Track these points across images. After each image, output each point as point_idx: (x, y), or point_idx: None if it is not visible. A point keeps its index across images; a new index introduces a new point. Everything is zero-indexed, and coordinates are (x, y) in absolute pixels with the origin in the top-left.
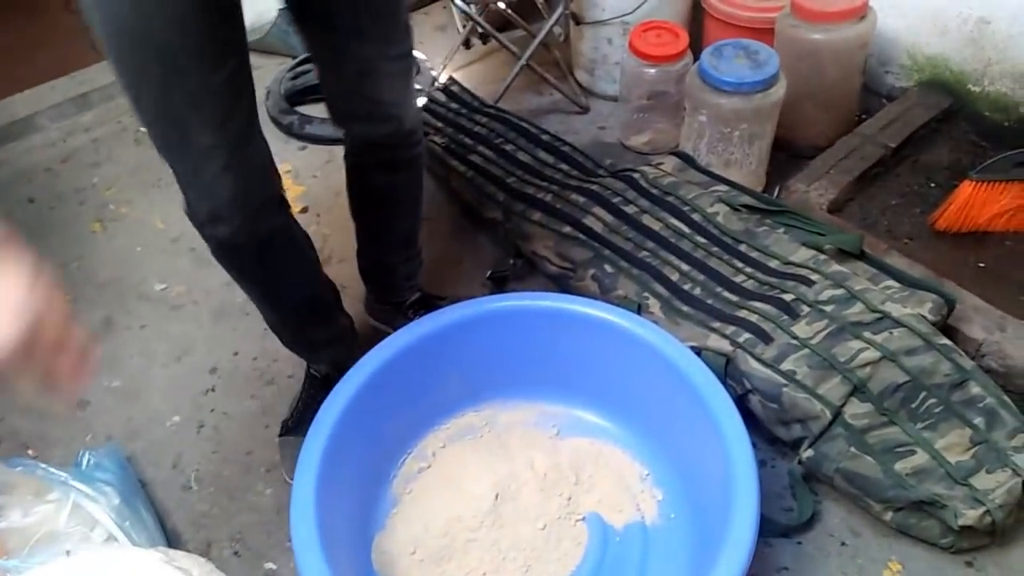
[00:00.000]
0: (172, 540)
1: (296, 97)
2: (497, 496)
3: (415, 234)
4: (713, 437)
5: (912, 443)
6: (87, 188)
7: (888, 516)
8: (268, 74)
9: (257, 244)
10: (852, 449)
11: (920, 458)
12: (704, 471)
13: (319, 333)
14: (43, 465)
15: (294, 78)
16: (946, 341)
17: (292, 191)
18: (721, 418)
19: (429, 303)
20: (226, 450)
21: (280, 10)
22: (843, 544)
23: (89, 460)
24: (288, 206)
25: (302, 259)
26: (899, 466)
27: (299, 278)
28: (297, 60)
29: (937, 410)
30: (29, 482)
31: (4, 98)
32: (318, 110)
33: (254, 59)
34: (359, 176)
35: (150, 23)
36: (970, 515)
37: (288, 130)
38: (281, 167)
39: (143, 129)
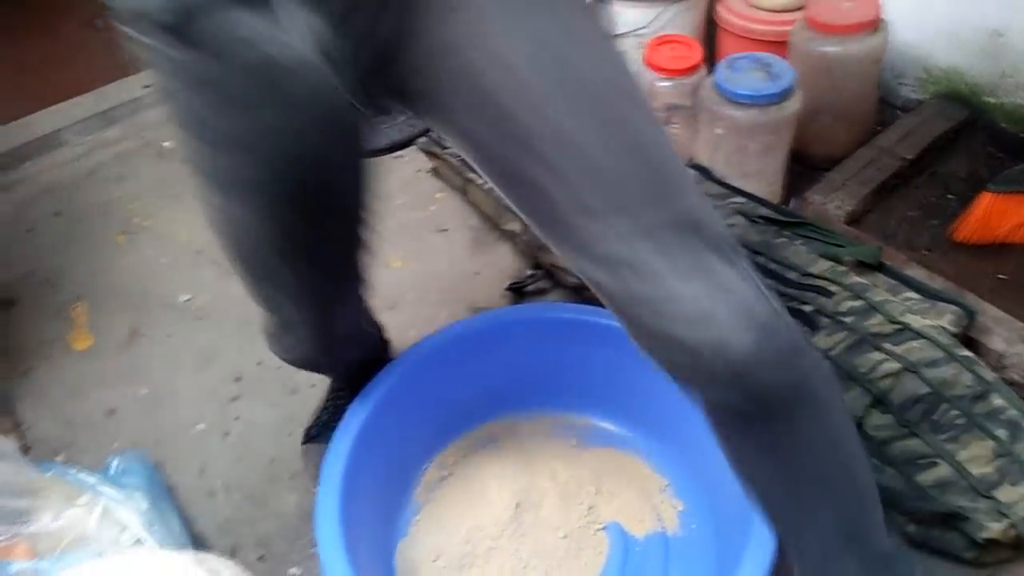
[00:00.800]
0: (198, 545)
1: None
2: (518, 505)
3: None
4: None
5: (934, 455)
6: (112, 201)
7: (911, 528)
8: None
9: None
10: (874, 461)
11: (943, 470)
12: (725, 482)
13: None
14: (73, 469)
15: None
16: (967, 353)
17: None
18: None
19: None
20: (251, 457)
21: None
22: None
23: (118, 466)
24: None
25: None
26: (921, 478)
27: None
28: None
29: (959, 422)
30: (60, 486)
31: (29, 114)
32: None
33: None
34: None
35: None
36: (994, 528)
37: None
38: None
39: (166, 144)
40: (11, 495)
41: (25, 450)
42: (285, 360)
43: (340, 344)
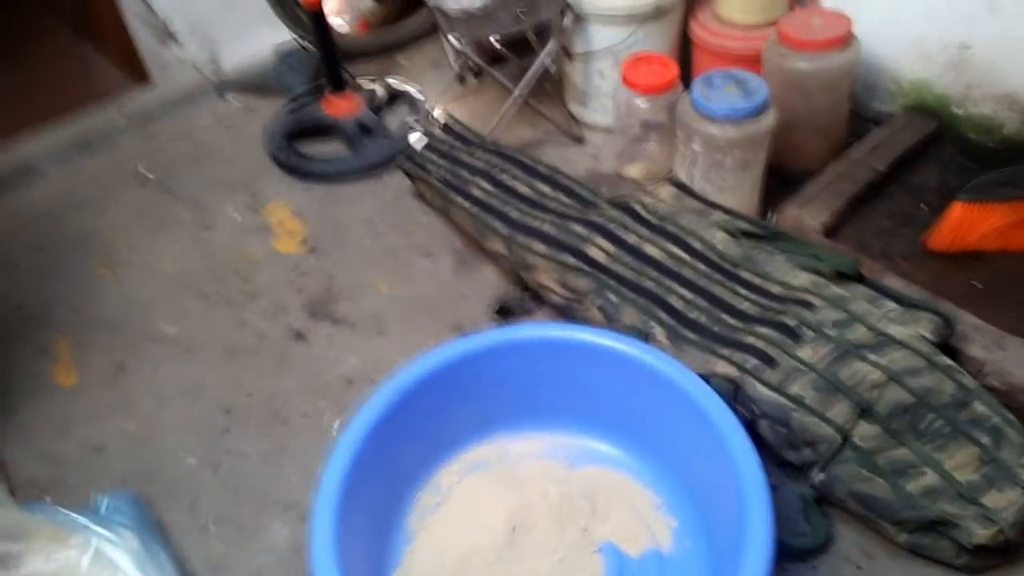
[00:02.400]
0: None
1: (295, 135)
2: (513, 529)
3: None
4: (723, 462)
5: (921, 463)
6: (92, 233)
7: (902, 537)
8: (266, 112)
9: None
10: (863, 471)
11: (930, 478)
12: (716, 497)
13: None
14: (63, 510)
15: (292, 115)
16: (948, 361)
17: (296, 229)
18: (731, 443)
19: None
20: (242, 491)
21: (276, 48)
22: (858, 567)
23: (107, 504)
24: None
25: None
26: (910, 487)
27: None
28: (293, 97)
29: (944, 430)
30: (49, 528)
31: (5, 138)
32: (318, 148)
33: (251, 98)
34: None
35: None
36: (983, 534)
37: (289, 169)
38: (284, 206)
39: (146, 172)
40: (1, 539)
41: (11, 491)
42: None
43: None
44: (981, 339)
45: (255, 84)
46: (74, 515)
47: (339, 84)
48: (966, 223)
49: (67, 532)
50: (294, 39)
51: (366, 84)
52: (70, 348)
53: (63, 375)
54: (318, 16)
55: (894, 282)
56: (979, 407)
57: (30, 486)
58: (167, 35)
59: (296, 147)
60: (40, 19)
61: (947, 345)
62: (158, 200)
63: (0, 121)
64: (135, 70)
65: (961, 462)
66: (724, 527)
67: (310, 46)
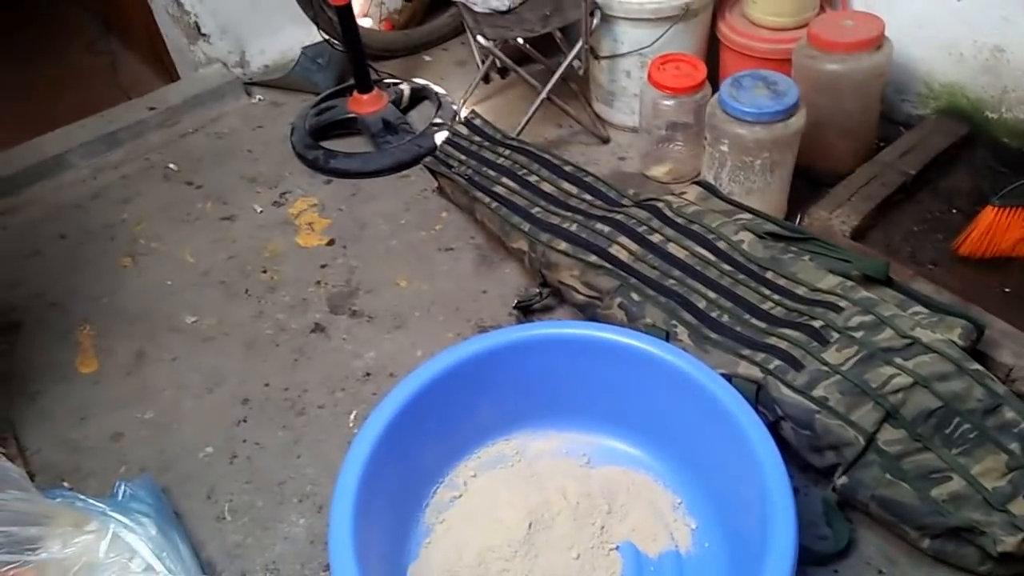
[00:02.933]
0: (207, 571)
1: (321, 132)
2: (530, 525)
3: None
4: (747, 464)
5: (948, 469)
6: (117, 224)
7: (925, 543)
8: (293, 110)
9: None
10: (887, 476)
11: (956, 484)
12: (738, 499)
13: None
14: (82, 496)
15: (318, 114)
16: (978, 366)
17: (318, 224)
18: (756, 444)
19: None
20: (259, 481)
21: (304, 48)
22: (880, 572)
23: (125, 491)
24: None
25: None
26: (935, 492)
27: None
28: (321, 96)
29: (971, 436)
30: (68, 513)
31: (34, 138)
32: (343, 144)
33: (277, 96)
34: None
35: None
36: (1009, 542)
37: (314, 165)
38: (307, 201)
39: (172, 166)
40: (21, 523)
41: (31, 476)
42: None
43: None
44: (1011, 345)
45: (282, 82)
46: (93, 501)
47: (365, 82)
48: (998, 228)
49: (86, 518)
50: (322, 38)
51: (392, 83)
52: (91, 337)
53: (84, 363)
54: (345, 15)
55: (923, 287)
56: (1008, 413)
57: (50, 472)
58: (197, 33)
59: (321, 144)
60: (71, 17)
61: (976, 350)
62: (183, 193)
63: (31, 115)
64: (163, 67)
65: (988, 468)
66: (746, 530)
67: (337, 45)
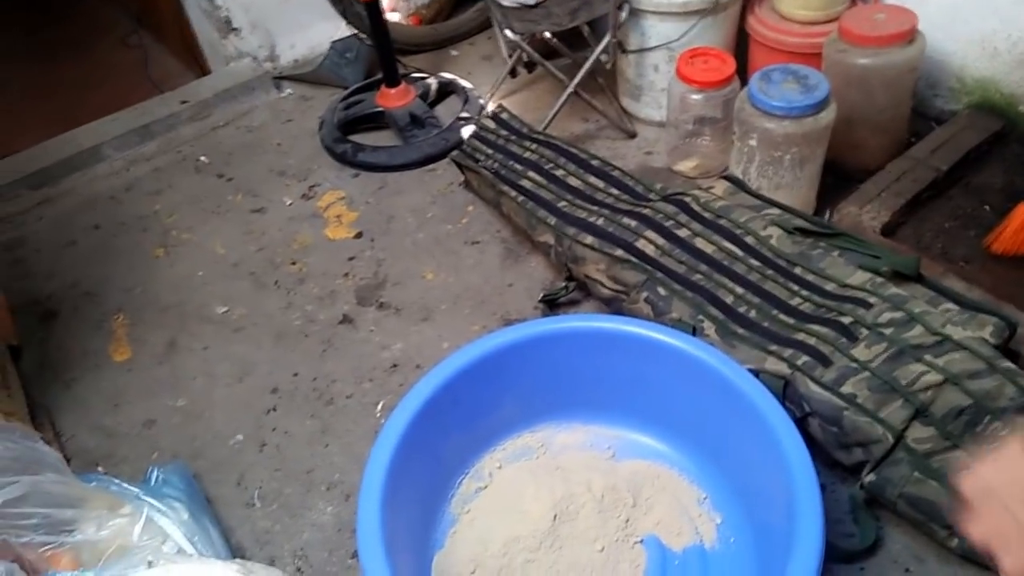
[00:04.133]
0: (236, 556)
1: (349, 126)
2: (555, 517)
3: None
4: (774, 459)
5: None
6: (149, 215)
7: (953, 542)
8: (321, 104)
9: None
10: (916, 474)
11: None
12: (765, 494)
13: None
14: (116, 480)
15: (346, 108)
16: (1010, 364)
17: (346, 217)
18: (783, 440)
19: None
20: (288, 468)
21: (333, 42)
22: (907, 571)
23: (158, 476)
24: None
25: None
26: None
27: None
28: (349, 90)
29: (1002, 434)
30: (103, 497)
31: (68, 130)
32: (370, 138)
33: (306, 89)
34: None
35: None
36: None
37: (342, 158)
38: (335, 194)
39: (203, 158)
40: (57, 505)
41: (65, 460)
42: None
43: None
44: None
45: (311, 76)
46: (127, 485)
47: (393, 77)
48: None
49: (119, 501)
50: (350, 32)
51: (419, 77)
52: (125, 326)
53: (118, 352)
54: (374, 10)
55: (955, 284)
56: None
57: (84, 457)
58: (228, 28)
59: (349, 138)
60: (104, 11)
61: (1009, 348)
62: (213, 186)
63: (64, 110)
64: (195, 61)
65: None
66: (771, 525)
67: (366, 39)
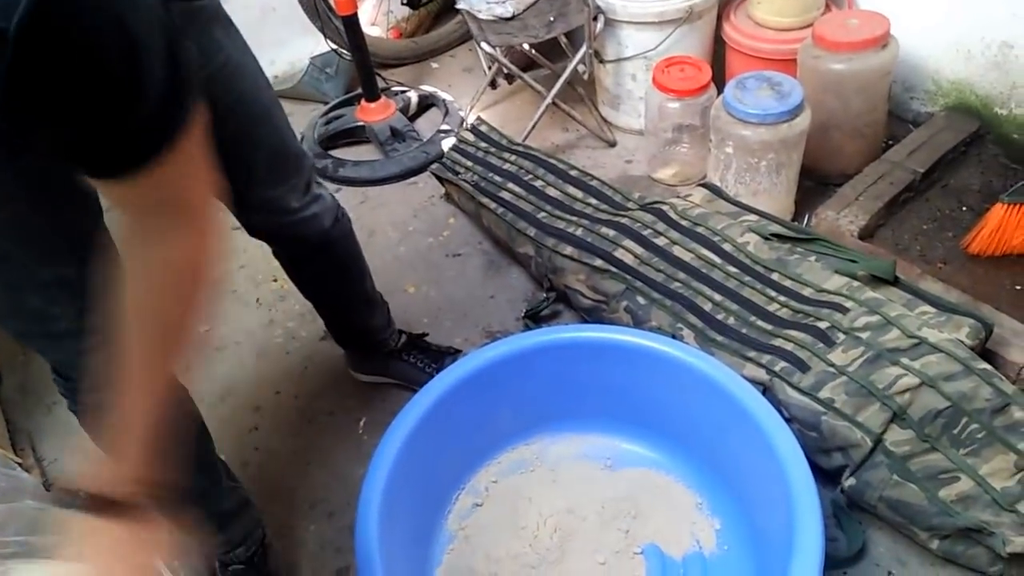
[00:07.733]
0: None
1: (329, 141)
2: (554, 530)
3: (371, 288)
4: (769, 462)
5: (956, 469)
6: None
7: (934, 544)
8: (302, 119)
9: None
10: (895, 477)
11: (965, 484)
12: (762, 497)
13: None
14: None
15: (327, 123)
16: (986, 366)
17: None
18: (777, 443)
19: (416, 342)
20: (270, 488)
21: (312, 58)
22: (889, 573)
23: None
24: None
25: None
26: (944, 493)
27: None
28: (330, 105)
29: (980, 436)
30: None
31: None
32: (351, 153)
33: (287, 105)
34: (295, 268)
35: None
36: (1018, 542)
37: (323, 173)
38: None
39: None
40: (36, 532)
41: (48, 485)
42: None
43: None
44: (1021, 343)
45: (291, 92)
46: None
47: (373, 91)
48: (1008, 226)
49: None
50: (329, 47)
51: (399, 90)
52: None
53: None
54: (352, 24)
55: (932, 286)
56: (1017, 412)
57: (65, 480)
58: None
59: (330, 153)
60: None
61: (985, 349)
62: None
63: None
64: None
65: (997, 468)
66: (770, 529)
67: (345, 54)
